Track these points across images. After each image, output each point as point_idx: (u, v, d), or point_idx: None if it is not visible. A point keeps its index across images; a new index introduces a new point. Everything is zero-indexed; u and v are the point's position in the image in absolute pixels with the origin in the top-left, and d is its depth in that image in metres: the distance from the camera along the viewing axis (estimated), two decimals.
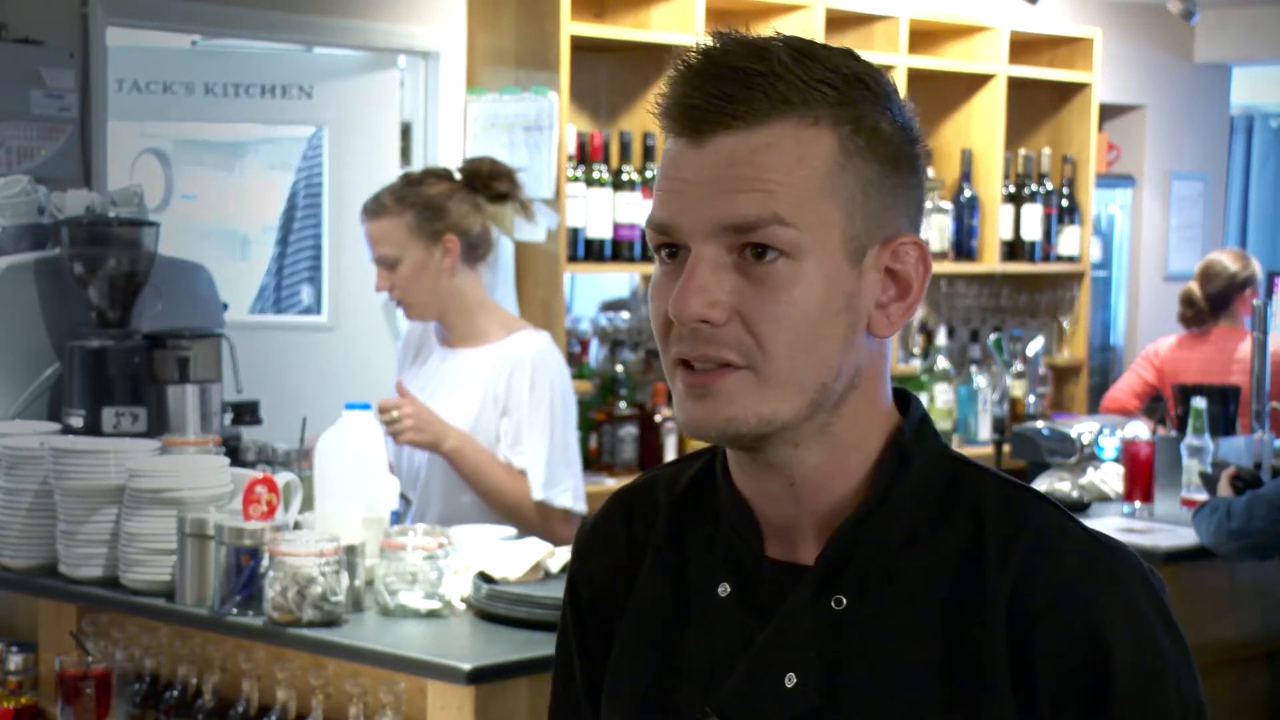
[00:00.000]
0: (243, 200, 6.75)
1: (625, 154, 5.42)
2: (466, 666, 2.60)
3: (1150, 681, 1.27)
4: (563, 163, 5.18)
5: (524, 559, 2.95)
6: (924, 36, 6.29)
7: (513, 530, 3.30)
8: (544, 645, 2.58)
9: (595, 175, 5.32)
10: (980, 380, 6.23)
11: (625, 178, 5.37)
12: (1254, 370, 4.73)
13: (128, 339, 3.51)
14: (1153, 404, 5.80)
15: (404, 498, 3.59)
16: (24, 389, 3.51)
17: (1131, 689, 1.26)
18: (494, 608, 2.83)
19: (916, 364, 6.30)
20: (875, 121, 1.29)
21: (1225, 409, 5.20)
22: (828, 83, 1.27)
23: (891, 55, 5.95)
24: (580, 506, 3.54)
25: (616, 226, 5.36)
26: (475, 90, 5.38)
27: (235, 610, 2.84)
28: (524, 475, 3.51)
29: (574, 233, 5.27)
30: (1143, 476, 4.60)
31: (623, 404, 5.42)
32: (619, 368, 5.52)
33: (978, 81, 6.42)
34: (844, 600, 1.30)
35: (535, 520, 3.47)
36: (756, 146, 1.26)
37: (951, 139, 6.48)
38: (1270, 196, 9.51)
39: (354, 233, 4.09)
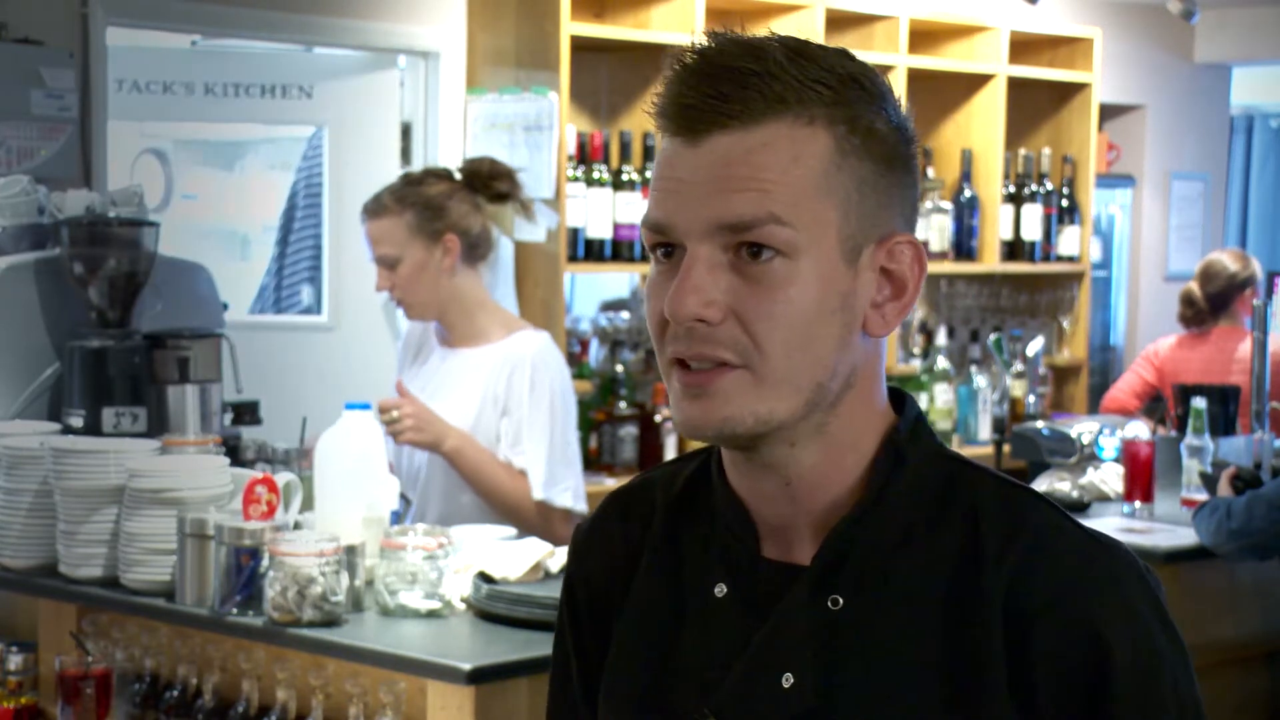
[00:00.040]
0: (243, 200, 6.75)
1: (625, 154, 5.41)
2: (466, 666, 2.60)
3: (1148, 680, 1.27)
4: (563, 163, 5.18)
5: (524, 559, 2.95)
6: (924, 36, 6.28)
7: (513, 530, 3.30)
8: (544, 645, 2.56)
9: (595, 175, 5.32)
10: (980, 380, 6.23)
11: (625, 178, 5.37)
12: (1254, 370, 4.72)
13: (128, 339, 3.51)
14: (1153, 404, 5.80)
15: (404, 498, 3.59)
16: (24, 389, 3.51)
17: (1130, 688, 1.26)
18: (494, 608, 2.83)
19: (916, 364, 6.29)
20: (870, 121, 1.29)
21: (1225, 409, 5.19)
22: (823, 82, 1.27)
23: (891, 55, 5.95)
24: (580, 506, 3.54)
25: (616, 226, 5.35)
26: (475, 90, 5.37)
27: (235, 610, 2.84)
28: (524, 475, 3.51)
29: (574, 233, 5.27)
30: (1143, 476, 4.60)
31: (623, 404, 5.42)
32: (619, 368, 5.51)
33: (978, 81, 6.41)
34: (840, 600, 1.30)
35: (535, 520, 3.47)
36: (752, 146, 1.26)
37: (951, 139, 6.48)
38: (1270, 196, 9.51)
39: (354, 233, 4.09)
